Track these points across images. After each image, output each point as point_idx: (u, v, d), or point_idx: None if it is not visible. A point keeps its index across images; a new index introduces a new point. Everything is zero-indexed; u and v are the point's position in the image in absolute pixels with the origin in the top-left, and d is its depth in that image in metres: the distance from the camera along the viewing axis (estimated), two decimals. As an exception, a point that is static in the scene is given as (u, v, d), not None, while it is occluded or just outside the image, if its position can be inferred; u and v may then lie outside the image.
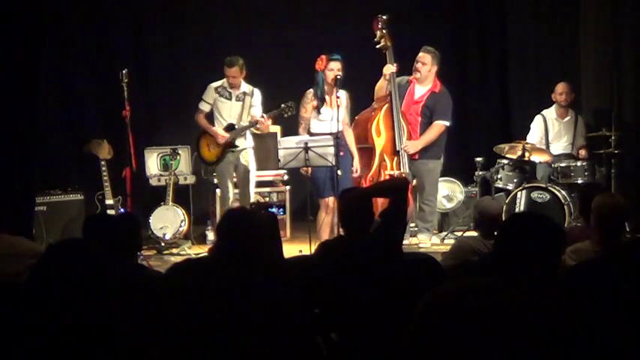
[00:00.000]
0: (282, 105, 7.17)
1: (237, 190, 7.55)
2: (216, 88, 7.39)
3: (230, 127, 7.34)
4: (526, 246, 2.46)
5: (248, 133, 7.44)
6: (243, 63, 7.26)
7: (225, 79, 7.32)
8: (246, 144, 7.43)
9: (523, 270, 2.44)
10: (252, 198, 7.48)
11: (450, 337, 2.37)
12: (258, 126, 7.28)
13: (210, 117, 7.48)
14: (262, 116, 7.18)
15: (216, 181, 7.73)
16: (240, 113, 7.35)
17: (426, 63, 7.22)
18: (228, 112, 7.38)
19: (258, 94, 7.40)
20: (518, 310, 2.35)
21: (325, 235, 6.77)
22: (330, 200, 6.84)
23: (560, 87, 7.88)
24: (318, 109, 6.90)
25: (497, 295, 2.41)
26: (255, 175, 7.54)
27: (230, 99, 7.37)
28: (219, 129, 7.33)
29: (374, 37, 7.11)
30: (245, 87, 7.38)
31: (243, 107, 7.35)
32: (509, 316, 2.35)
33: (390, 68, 7.06)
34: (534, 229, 2.51)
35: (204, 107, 7.42)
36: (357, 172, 6.98)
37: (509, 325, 2.33)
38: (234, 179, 7.53)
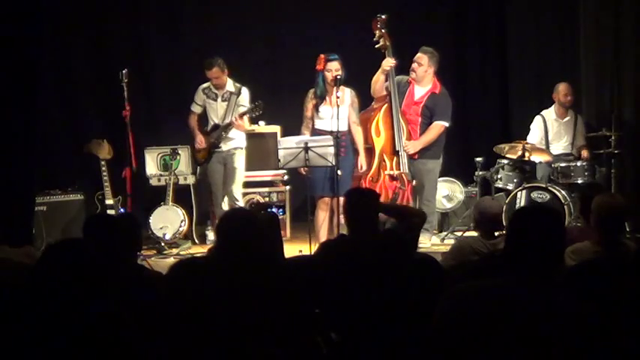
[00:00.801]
0: (250, 105, 7.24)
1: None
2: (203, 90, 7.45)
3: (215, 128, 7.37)
4: (537, 239, 2.47)
5: (239, 133, 7.44)
6: (222, 62, 7.28)
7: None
8: (233, 144, 7.44)
9: (535, 266, 2.46)
10: (240, 199, 7.48)
11: (473, 336, 2.38)
12: (232, 127, 7.30)
13: (205, 118, 7.55)
14: (235, 117, 7.20)
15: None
16: (225, 113, 7.36)
17: (422, 64, 7.20)
18: (215, 112, 7.44)
19: (245, 92, 7.40)
20: (536, 311, 2.37)
21: (324, 235, 6.76)
22: (329, 200, 6.85)
23: (565, 88, 7.85)
24: (316, 107, 6.90)
25: (516, 295, 2.42)
26: (242, 176, 7.55)
27: (216, 99, 7.40)
28: (199, 135, 7.42)
29: (373, 36, 7.10)
30: (231, 86, 7.38)
31: (228, 107, 7.36)
32: (528, 317, 2.36)
33: (389, 62, 7.03)
34: (543, 221, 2.53)
35: (196, 109, 7.53)
36: (361, 168, 6.98)
37: (528, 325, 2.35)
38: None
